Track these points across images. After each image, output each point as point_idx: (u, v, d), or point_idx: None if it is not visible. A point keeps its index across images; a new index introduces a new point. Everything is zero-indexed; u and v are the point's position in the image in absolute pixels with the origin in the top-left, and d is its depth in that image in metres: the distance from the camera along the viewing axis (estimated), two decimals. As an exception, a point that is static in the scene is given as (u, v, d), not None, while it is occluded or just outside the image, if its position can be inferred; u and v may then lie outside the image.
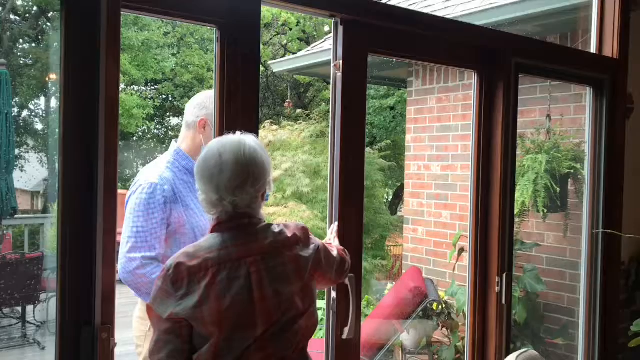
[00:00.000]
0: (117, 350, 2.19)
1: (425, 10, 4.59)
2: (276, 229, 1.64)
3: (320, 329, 4.37)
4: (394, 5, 2.30)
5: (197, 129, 2.27)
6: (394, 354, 4.54)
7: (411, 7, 4.79)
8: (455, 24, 2.77)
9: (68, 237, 1.61)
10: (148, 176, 2.19)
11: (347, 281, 2.18)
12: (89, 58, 1.61)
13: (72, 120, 1.62)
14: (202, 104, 2.29)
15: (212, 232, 1.61)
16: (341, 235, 2.19)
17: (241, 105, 1.99)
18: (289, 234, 1.64)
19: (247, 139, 1.61)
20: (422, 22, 2.49)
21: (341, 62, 2.20)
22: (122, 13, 1.66)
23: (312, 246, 1.68)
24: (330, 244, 1.91)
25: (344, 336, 2.19)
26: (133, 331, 2.25)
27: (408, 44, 2.48)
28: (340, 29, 2.21)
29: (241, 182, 1.55)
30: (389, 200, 13.94)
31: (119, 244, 1.95)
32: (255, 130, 1.98)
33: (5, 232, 6.88)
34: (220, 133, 1.93)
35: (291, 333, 1.59)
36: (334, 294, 2.20)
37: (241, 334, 1.52)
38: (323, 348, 2.25)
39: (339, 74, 2.21)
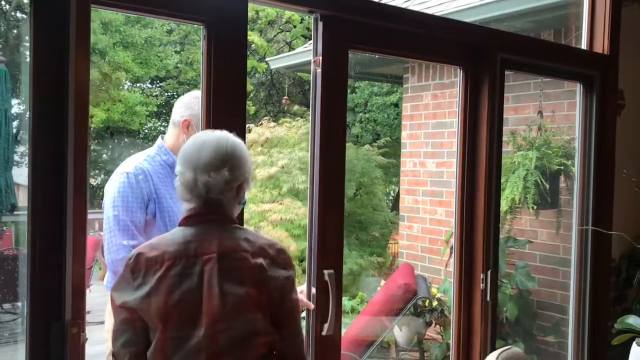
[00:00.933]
0: (98, 349, 2.21)
1: (419, 7, 4.57)
2: (244, 235, 1.60)
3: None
4: (375, 1, 2.29)
5: (181, 129, 2.29)
6: (390, 351, 4.54)
7: (405, 4, 4.78)
8: (440, 20, 2.76)
9: (38, 234, 1.62)
10: (124, 167, 2.23)
11: (327, 277, 2.20)
12: (59, 53, 1.62)
13: (42, 116, 1.62)
14: (188, 104, 2.31)
15: (180, 225, 1.60)
16: (322, 230, 2.20)
17: (229, 103, 2.01)
18: (257, 244, 1.59)
19: (233, 136, 1.64)
20: (405, 19, 2.49)
21: (321, 58, 2.20)
22: (99, 9, 1.67)
23: (284, 273, 1.59)
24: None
25: (324, 332, 2.19)
26: (105, 326, 2.28)
27: (391, 41, 2.47)
28: (320, 25, 2.21)
29: (218, 164, 1.55)
30: (393, 197, 13.92)
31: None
32: (242, 128, 2.01)
33: (4, 228, 6.92)
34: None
35: (250, 348, 1.53)
36: (313, 290, 2.20)
37: (187, 333, 1.49)
38: (303, 344, 2.25)
39: (319, 70, 2.21)
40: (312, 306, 2.21)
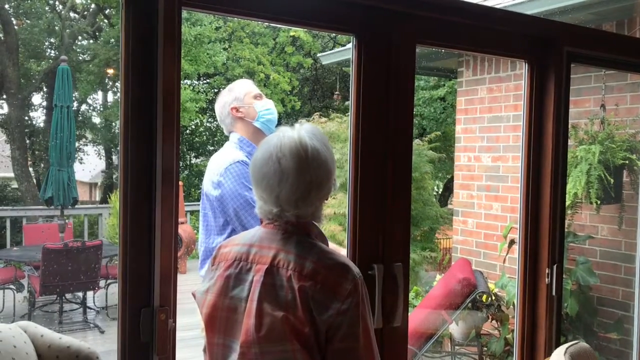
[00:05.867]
0: (188, 334, 2.25)
1: (478, 0, 4.53)
2: (308, 251, 1.39)
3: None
4: (439, -4, 2.31)
5: (236, 118, 2.39)
6: (443, 345, 4.54)
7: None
8: (504, 13, 2.74)
9: (129, 225, 1.69)
10: (231, 156, 2.30)
11: (394, 270, 2.23)
12: (148, 53, 1.69)
13: (132, 114, 1.70)
14: (222, 101, 2.43)
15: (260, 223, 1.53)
16: (389, 225, 2.23)
17: (375, 104, 2.16)
18: (313, 265, 1.35)
19: (307, 135, 1.42)
20: (470, 12, 2.48)
21: (389, 53, 2.23)
22: (261, 22, 1.73)
23: (337, 306, 1.32)
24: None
25: (393, 324, 2.22)
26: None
27: (456, 34, 2.47)
28: (388, 21, 2.24)
29: (304, 192, 1.39)
30: (439, 192, 13.81)
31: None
32: (385, 122, 2.17)
33: (66, 221, 7.19)
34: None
35: None
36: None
37: (229, 343, 1.42)
38: (371, 335, 2.29)
39: (386, 66, 2.24)
40: None
